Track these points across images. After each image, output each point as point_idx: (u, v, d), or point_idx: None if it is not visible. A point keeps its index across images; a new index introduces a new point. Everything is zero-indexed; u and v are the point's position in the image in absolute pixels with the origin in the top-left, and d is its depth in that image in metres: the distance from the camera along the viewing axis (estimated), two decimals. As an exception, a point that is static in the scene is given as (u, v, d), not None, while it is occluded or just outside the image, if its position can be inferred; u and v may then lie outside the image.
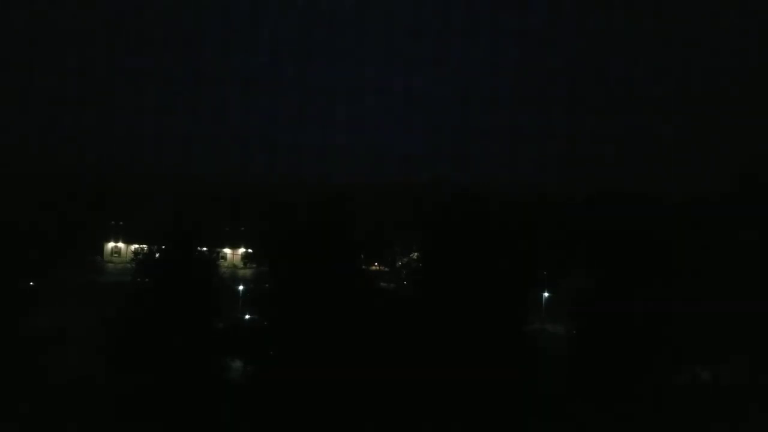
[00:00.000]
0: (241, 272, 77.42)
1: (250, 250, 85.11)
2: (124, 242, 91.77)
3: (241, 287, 49.64)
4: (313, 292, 34.50)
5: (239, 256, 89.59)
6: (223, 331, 36.10)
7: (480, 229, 36.31)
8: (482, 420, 32.77)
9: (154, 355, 32.94)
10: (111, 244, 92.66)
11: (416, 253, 40.67)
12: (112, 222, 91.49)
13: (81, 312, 38.52)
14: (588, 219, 65.27)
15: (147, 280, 35.55)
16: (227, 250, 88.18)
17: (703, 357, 38.41)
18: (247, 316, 39.85)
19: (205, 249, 37.13)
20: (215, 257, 37.99)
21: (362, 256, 38.85)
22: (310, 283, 34.83)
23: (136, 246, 52.63)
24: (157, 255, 35.89)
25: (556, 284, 59.09)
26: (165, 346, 33.12)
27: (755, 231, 39.60)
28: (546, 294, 57.77)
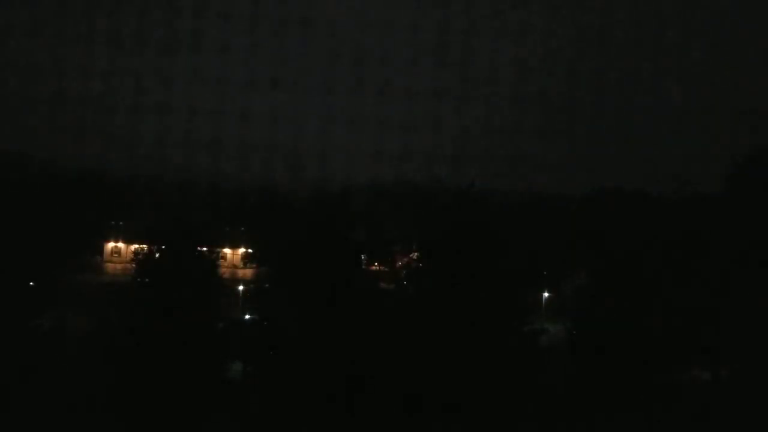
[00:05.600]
0: (241, 272, 77.37)
1: (250, 250, 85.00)
2: (124, 242, 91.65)
3: (241, 287, 49.65)
4: (313, 293, 34.52)
5: (239, 256, 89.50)
6: (223, 331, 36.15)
7: (480, 229, 36.34)
8: (482, 420, 32.78)
9: (153, 355, 32.94)
10: (111, 244, 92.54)
11: (416, 253, 40.73)
12: (112, 222, 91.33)
13: (81, 312, 38.48)
14: (588, 219, 65.30)
15: (147, 280, 35.60)
16: (227, 250, 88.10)
17: (703, 357, 38.44)
18: (247, 316, 39.88)
19: (205, 249, 37.16)
20: (215, 257, 38.04)
21: (362, 256, 38.92)
22: (310, 283, 34.86)
23: (136, 246, 52.59)
24: (157, 255, 35.94)
25: (556, 284, 59.18)
26: (165, 346, 33.12)
27: (755, 229, 39.59)
28: (546, 294, 57.79)
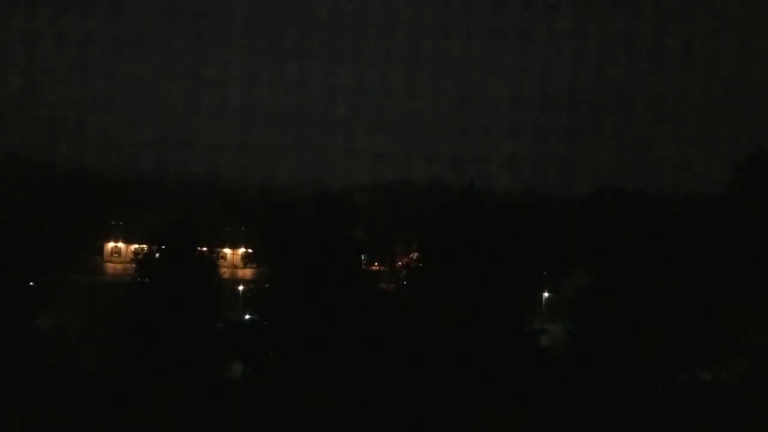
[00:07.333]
0: (241, 272, 77.29)
1: (250, 250, 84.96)
2: (124, 242, 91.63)
3: (241, 287, 49.60)
4: (313, 293, 34.53)
5: (239, 256, 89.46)
6: (223, 331, 36.15)
7: (480, 229, 36.33)
8: (482, 420, 32.78)
9: (153, 355, 32.95)
10: (111, 244, 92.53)
11: (416, 253, 40.73)
12: (112, 222, 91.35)
13: (81, 312, 38.49)
14: (588, 219, 65.29)
15: (147, 280, 35.61)
16: (227, 250, 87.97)
17: (703, 357, 38.41)
18: (247, 316, 39.85)
19: (205, 249, 37.18)
20: (215, 257, 38.06)
21: (362, 256, 38.94)
22: (310, 283, 34.87)
23: (136, 246, 52.59)
24: (157, 255, 35.95)
25: (556, 284, 59.16)
26: (164, 346, 33.13)
27: (755, 230, 39.58)
28: (546, 294, 57.78)
